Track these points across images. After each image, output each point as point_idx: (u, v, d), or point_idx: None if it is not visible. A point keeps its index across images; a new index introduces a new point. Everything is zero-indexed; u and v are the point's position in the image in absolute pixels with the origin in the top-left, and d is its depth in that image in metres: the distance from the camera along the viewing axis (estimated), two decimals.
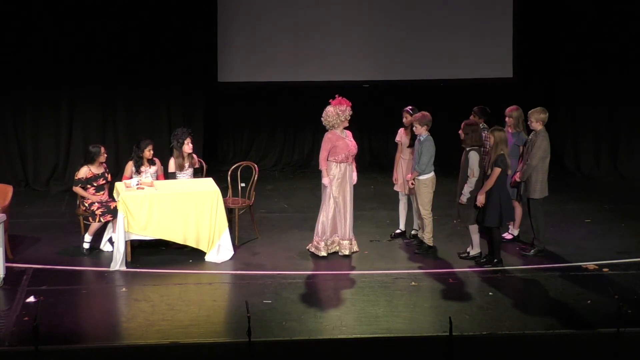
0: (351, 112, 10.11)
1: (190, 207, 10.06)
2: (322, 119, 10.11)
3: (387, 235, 10.96)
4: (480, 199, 9.70)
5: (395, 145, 10.93)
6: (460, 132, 9.92)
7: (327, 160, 10.07)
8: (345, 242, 10.24)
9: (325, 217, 10.15)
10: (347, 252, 10.24)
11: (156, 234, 10.04)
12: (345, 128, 10.19)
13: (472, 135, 9.80)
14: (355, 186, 10.34)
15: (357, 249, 10.37)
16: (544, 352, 8.05)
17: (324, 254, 10.19)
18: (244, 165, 11.11)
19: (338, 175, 10.09)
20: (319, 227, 10.21)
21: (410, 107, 10.59)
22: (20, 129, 13.27)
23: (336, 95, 10.13)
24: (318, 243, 10.22)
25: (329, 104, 10.12)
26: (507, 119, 10.56)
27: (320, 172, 10.18)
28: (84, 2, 13.04)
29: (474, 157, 9.76)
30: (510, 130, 10.50)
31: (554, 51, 14.28)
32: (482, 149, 9.95)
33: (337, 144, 10.05)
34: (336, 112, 10.03)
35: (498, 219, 9.72)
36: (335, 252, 10.27)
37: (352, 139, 10.22)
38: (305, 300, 9.01)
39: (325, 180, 10.09)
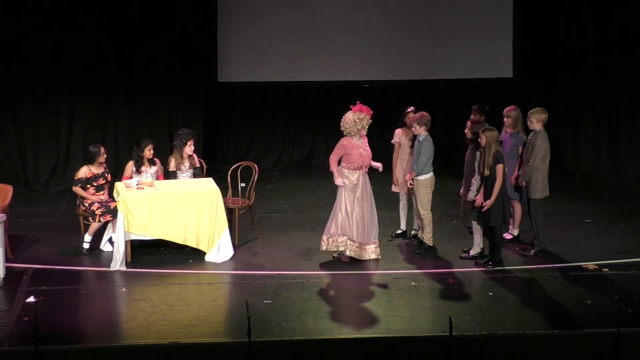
0: (370, 120, 9.85)
1: (190, 207, 10.06)
2: (341, 124, 9.87)
3: (387, 235, 10.94)
4: (479, 200, 9.72)
5: (392, 146, 10.91)
6: (467, 130, 9.94)
7: (340, 165, 9.86)
8: (351, 243, 9.89)
9: (335, 216, 9.89)
10: (351, 254, 9.94)
11: (156, 234, 10.04)
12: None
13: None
14: None
15: (377, 256, 10.04)
16: (544, 352, 8.06)
17: (323, 248, 9.98)
18: (244, 165, 11.10)
19: (352, 180, 9.87)
20: (329, 224, 9.91)
21: (412, 109, 10.59)
22: (20, 129, 13.26)
23: (357, 102, 9.90)
24: (322, 238, 9.95)
25: (350, 109, 9.87)
26: (505, 119, 10.56)
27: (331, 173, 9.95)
28: (84, 2, 13.03)
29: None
30: (508, 131, 10.51)
31: (554, 51, 14.26)
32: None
33: (351, 152, 9.82)
34: (354, 120, 9.77)
35: (502, 218, 9.72)
36: (334, 251, 10.05)
37: (367, 147, 9.97)
38: (305, 300, 9.00)
39: (338, 181, 9.85)
